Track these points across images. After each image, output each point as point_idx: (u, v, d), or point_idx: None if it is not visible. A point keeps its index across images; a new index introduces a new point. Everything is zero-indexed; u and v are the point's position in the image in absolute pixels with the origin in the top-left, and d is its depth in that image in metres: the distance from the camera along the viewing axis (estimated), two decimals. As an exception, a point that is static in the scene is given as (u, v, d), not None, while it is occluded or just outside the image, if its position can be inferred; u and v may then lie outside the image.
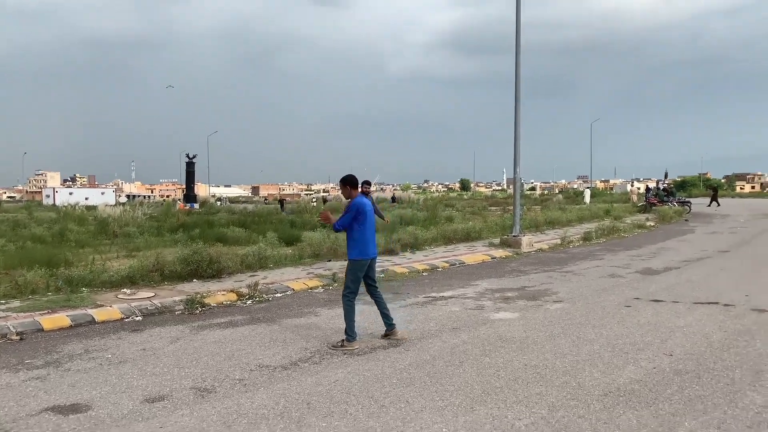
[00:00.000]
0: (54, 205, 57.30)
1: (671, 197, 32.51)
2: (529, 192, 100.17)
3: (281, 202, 39.37)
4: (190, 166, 58.55)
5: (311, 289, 9.95)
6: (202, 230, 20.97)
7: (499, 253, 14.63)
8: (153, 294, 9.11)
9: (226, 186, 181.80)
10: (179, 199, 60.08)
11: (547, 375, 5.10)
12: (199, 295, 8.68)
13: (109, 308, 8.14)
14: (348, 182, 6.39)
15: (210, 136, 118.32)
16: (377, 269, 11.48)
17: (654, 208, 29.78)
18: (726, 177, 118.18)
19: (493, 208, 39.55)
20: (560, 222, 22.20)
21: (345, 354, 5.96)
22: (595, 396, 4.56)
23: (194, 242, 13.94)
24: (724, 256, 13.49)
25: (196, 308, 8.38)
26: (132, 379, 5.32)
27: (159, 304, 8.43)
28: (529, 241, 15.60)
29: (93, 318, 7.74)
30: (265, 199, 60.98)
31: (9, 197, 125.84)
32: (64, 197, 65.00)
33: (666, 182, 40.70)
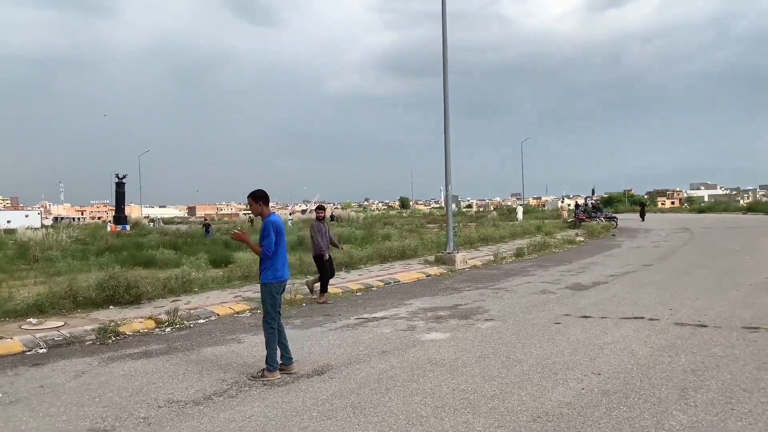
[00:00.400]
0: None
1: (599, 213, 33.75)
2: (465, 209, 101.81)
3: (206, 225, 37.99)
4: (120, 187, 56.08)
5: (237, 313, 9.46)
6: (130, 253, 20.00)
7: (434, 270, 14.55)
8: (62, 323, 8.40)
9: (161, 207, 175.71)
10: (109, 221, 57.32)
11: (475, 400, 4.91)
12: (113, 324, 8.06)
13: (9, 340, 7.41)
14: (259, 198, 5.96)
15: (141, 155, 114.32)
16: (289, 292, 11.24)
17: (583, 223, 30.76)
18: (648, 193, 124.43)
19: (430, 225, 39.81)
20: (494, 239, 22.50)
21: (265, 385, 5.57)
22: (523, 422, 4.39)
23: (118, 266, 13.17)
24: (648, 269, 13.92)
25: (109, 338, 7.77)
26: (20, 422, 4.75)
27: (68, 335, 7.75)
28: (463, 258, 15.63)
29: (-12, 352, 6.99)
30: (205, 219, 59.47)
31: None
32: None
33: (594, 199, 42.29)
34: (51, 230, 32.72)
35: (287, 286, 6.41)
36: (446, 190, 15.88)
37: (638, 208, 68.27)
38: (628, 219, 43.99)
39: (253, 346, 7.15)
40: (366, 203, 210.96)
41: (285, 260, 5.97)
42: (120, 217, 54.00)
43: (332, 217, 51.91)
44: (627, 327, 7.59)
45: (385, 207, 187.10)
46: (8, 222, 61.62)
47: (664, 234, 27.10)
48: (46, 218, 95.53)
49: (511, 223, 35.04)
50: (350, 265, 14.56)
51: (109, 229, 50.74)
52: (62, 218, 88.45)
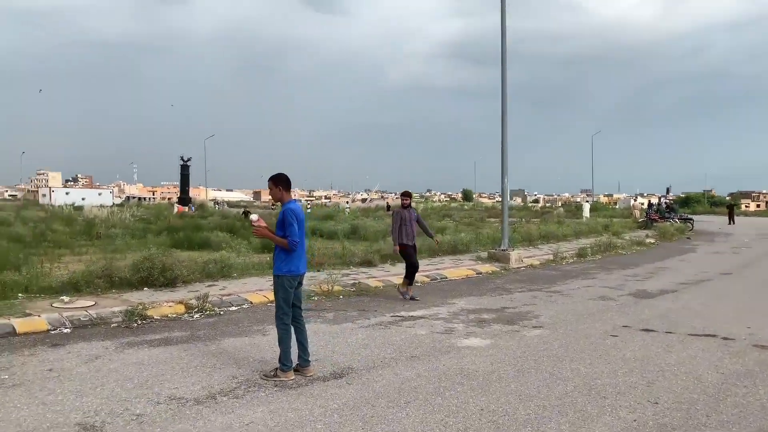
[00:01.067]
0: (49, 204, 56.73)
1: (673, 214, 31.60)
2: (531, 204, 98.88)
3: (245, 212, 38.49)
4: (184, 169, 57.97)
5: (271, 302, 9.06)
6: (187, 234, 20.26)
7: (486, 268, 13.75)
8: (93, 303, 8.28)
9: (228, 190, 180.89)
10: (176, 202, 59.35)
11: (504, 425, 4.24)
12: (141, 307, 7.84)
13: (36, 318, 7.31)
14: (280, 182, 5.45)
15: (206, 139, 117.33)
16: (351, 281, 10.81)
17: (655, 224, 28.87)
18: (731, 194, 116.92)
19: (491, 219, 38.61)
20: (556, 236, 21.32)
21: (276, 386, 5.10)
22: (557, 459, 3.69)
23: (168, 246, 13.26)
24: (726, 279, 12.60)
25: (135, 321, 7.55)
26: (12, 409, 4.47)
27: (95, 315, 7.60)
28: (518, 256, 14.73)
29: (14, 329, 6.90)
30: (272, 205, 60.76)
31: (11, 196, 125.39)
32: (60, 197, 64.40)
33: (668, 198, 39.77)
34: (116, 209, 33.92)
35: (305, 279, 5.89)
36: (502, 182, 14.98)
37: (720, 209, 64.11)
38: (706, 221, 41.12)
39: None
40: (428, 194, 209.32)
41: (303, 252, 5.46)
42: (184, 199, 55.77)
43: (387, 207, 51.59)
44: (695, 346, 6.64)
45: (448, 199, 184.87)
46: (83, 199, 64.82)
47: (746, 240, 24.95)
48: (118, 197, 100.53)
49: (577, 220, 33.38)
50: (396, 257, 13.95)
51: (176, 209, 52.59)
52: (133, 197, 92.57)
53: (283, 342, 5.33)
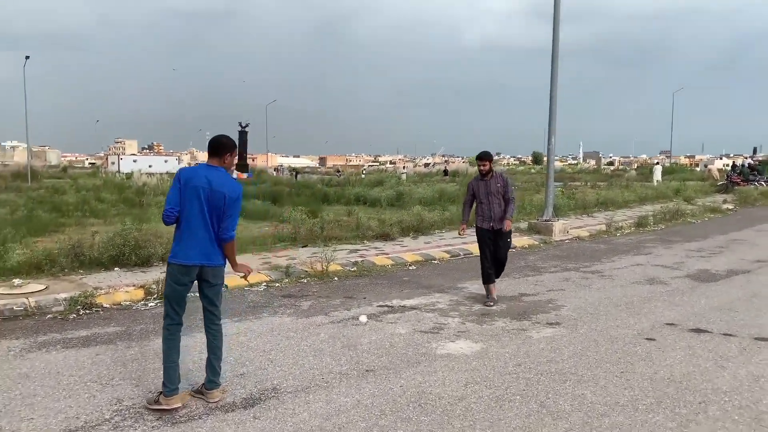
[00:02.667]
0: (103, 172, 58.59)
1: (759, 176, 28.15)
2: (604, 167, 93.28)
3: (295, 173, 37.87)
4: (242, 135, 57.72)
5: (251, 286, 7.90)
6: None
7: (523, 241, 12.04)
8: (45, 287, 7.35)
9: (295, 156, 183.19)
10: (233, 168, 59.71)
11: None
12: (87, 293, 6.83)
13: (-36, 308, 6.42)
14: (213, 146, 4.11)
15: (269, 105, 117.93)
16: (357, 258, 9.40)
17: (737, 188, 25.73)
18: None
19: (556, 183, 36.06)
20: (616, 203, 19.05)
21: (159, 419, 3.85)
22: None
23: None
24: (815, 255, 10.34)
25: (77, 310, 6.54)
26: None
27: (33, 304, 6.64)
28: (563, 227, 12.88)
29: (-68, 321, 6.03)
30: (338, 171, 60.54)
31: (90, 164, 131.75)
32: (128, 164, 66.36)
33: (755, 159, 35.78)
34: (166, 176, 33.97)
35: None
36: (549, 143, 13.05)
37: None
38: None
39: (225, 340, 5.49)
40: (497, 158, 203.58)
41: (194, 235, 4.02)
42: (243, 165, 55.78)
43: (445, 172, 49.60)
44: (762, 358, 4.88)
45: (517, 162, 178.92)
46: (150, 167, 66.40)
47: None
48: (189, 164, 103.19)
49: (648, 184, 30.46)
50: (419, 229, 12.48)
51: (235, 176, 52.84)
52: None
53: (164, 356, 4.04)
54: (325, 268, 8.62)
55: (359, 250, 10.53)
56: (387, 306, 6.85)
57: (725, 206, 19.72)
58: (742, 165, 30.82)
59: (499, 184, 6.97)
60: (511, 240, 7.18)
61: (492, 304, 6.84)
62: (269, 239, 10.69)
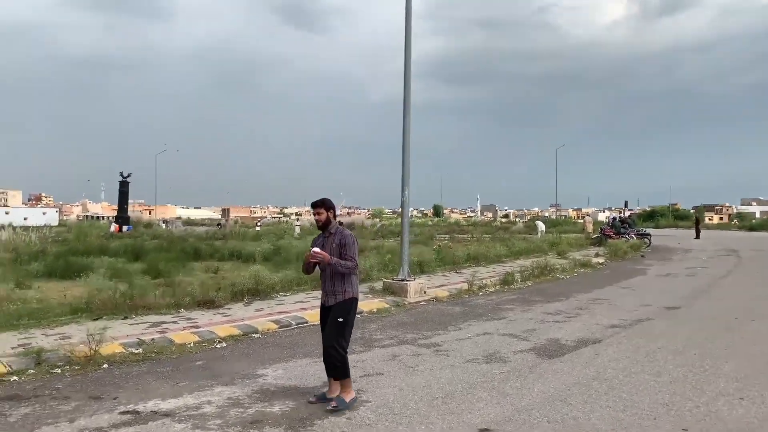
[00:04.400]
0: None
1: (630, 229, 29.11)
2: (500, 219, 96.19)
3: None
4: (123, 186, 53.76)
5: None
6: (65, 260, 17.03)
7: (374, 304, 10.68)
8: None
9: (196, 208, 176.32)
10: (112, 220, 55.19)
11: None
12: None
13: None
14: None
15: (158, 154, 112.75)
16: (152, 336, 7.39)
17: (609, 241, 26.28)
18: (695, 207, 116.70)
19: (443, 236, 35.80)
20: (488, 258, 18.38)
21: None
22: None
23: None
24: (670, 317, 9.73)
25: None
26: None
27: None
28: (419, 288, 11.70)
29: None
30: (219, 224, 57.75)
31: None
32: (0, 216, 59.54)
33: (627, 212, 37.47)
34: (26, 230, 30.03)
35: None
36: (402, 194, 11.99)
37: (684, 223, 62.30)
38: (669, 236, 38.94)
39: None
40: (400, 210, 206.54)
41: None
42: (123, 218, 51.71)
43: (340, 224, 48.37)
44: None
45: (420, 215, 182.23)
46: (25, 219, 60.14)
47: (704, 257, 22.43)
48: (69, 215, 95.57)
49: (523, 236, 30.69)
50: (257, 292, 10.81)
51: (113, 229, 48.66)
52: (91, 216, 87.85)
53: None
54: (92, 351, 6.71)
55: (165, 322, 8.67)
56: (133, 412, 5.09)
57: (596, 260, 19.68)
58: (614, 218, 31.94)
59: (335, 244, 5.26)
60: (343, 320, 5.22)
61: (333, 405, 5.05)
62: (51, 311, 8.59)
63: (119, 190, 55.55)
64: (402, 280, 11.69)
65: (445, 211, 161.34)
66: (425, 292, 11.78)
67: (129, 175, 56.06)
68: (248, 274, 11.13)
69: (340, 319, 5.22)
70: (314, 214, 5.40)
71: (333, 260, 5.16)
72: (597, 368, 6.44)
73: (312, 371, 6.36)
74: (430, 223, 79.98)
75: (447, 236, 35.78)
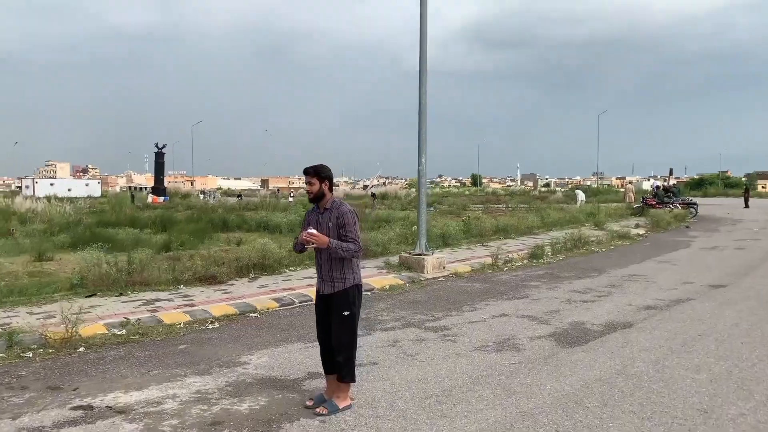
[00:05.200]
0: (32, 196, 53.90)
1: (674, 198, 27.47)
2: (540, 189, 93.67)
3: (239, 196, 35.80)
4: (159, 157, 54.46)
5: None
6: (91, 231, 17.06)
7: (387, 280, 10.00)
8: None
9: (236, 179, 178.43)
10: (149, 192, 56.02)
11: None
12: None
13: None
14: None
15: (194, 126, 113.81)
16: (140, 315, 6.74)
17: (651, 211, 24.82)
18: (747, 175, 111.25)
19: (477, 206, 34.75)
20: (518, 230, 17.41)
21: None
22: None
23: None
24: (715, 297, 8.72)
25: None
26: None
27: None
28: (437, 262, 10.93)
29: None
30: (278, 191, 58.17)
31: (17, 187, 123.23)
32: (44, 188, 61.17)
33: (672, 180, 35.55)
34: (53, 201, 30.38)
35: None
36: (419, 164, 11.10)
37: (734, 191, 59.07)
38: (718, 205, 36.88)
39: None
40: (439, 179, 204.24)
41: None
42: (159, 189, 52.35)
43: (372, 195, 47.70)
44: None
45: (458, 184, 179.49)
46: (69, 190, 61.65)
47: (756, 228, 20.87)
48: (113, 187, 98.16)
49: (561, 206, 29.39)
50: (265, 267, 10.24)
51: (150, 199, 49.37)
52: (134, 187, 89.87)
53: None
54: (69, 333, 6.23)
55: (160, 300, 8.18)
56: (86, 407, 4.54)
57: (635, 231, 18.45)
58: (657, 187, 30.26)
59: (331, 222, 4.39)
60: (350, 312, 4.41)
61: (321, 410, 4.34)
62: (36, 287, 8.20)
63: (155, 161, 56.31)
64: (419, 254, 10.94)
65: (484, 181, 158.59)
66: (444, 267, 11.01)
67: (164, 147, 56.65)
68: (254, 248, 10.53)
69: (346, 313, 4.40)
70: (305, 183, 4.50)
71: (333, 243, 4.29)
72: (623, 360, 5.59)
73: (298, 359, 5.73)
74: (466, 193, 78.71)
75: (481, 206, 34.74)
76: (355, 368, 4.56)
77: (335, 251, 4.33)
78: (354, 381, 4.50)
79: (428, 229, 12.71)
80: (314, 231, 4.30)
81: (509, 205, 34.32)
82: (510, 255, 12.66)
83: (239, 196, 49.23)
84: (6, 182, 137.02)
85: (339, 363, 4.40)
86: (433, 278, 10.49)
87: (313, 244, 4.30)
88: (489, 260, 12.06)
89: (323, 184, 4.45)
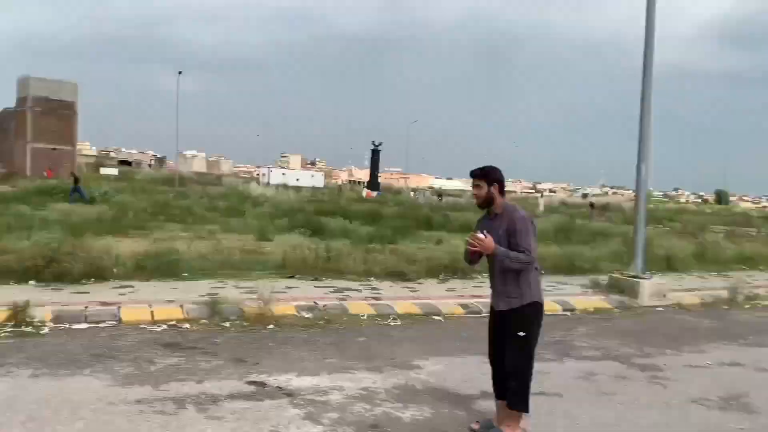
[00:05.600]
0: (268, 183, 62.08)
1: None
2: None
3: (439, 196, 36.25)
4: (375, 155, 58.24)
5: (155, 323, 6.13)
6: (308, 219, 18.83)
7: (592, 302, 8.95)
8: None
9: (448, 179, 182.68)
10: (365, 186, 60.16)
11: None
12: None
13: None
14: None
15: (411, 125, 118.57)
16: (330, 302, 7.00)
17: None
18: None
19: (720, 228, 30.18)
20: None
21: None
22: None
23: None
24: None
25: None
26: None
27: None
28: (657, 289, 9.43)
29: None
30: (440, 195, 59.39)
31: (257, 174, 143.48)
32: (277, 177, 70.25)
33: None
34: (280, 190, 34.23)
35: None
36: (638, 171, 9.66)
37: None
38: None
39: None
40: (674, 193, 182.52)
41: None
42: (374, 184, 55.81)
43: (591, 205, 44.30)
44: None
45: (699, 200, 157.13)
46: (297, 180, 69.72)
47: None
48: (336, 180, 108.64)
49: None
50: (456, 270, 9.87)
51: (364, 194, 53.04)
52: (355, 181, 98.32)
53: None
54: (263, 310, 6.59)
55: (350, 289, 8.35)
56: (260, 384, 4.65)
57: None
58: None
59: (501, 229, 3.85)
60: (526, 333, 3.85)
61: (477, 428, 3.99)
62: (247, 264, 8.94)
63: (371, 158, 60.21)
64: (633, 277, 9.57)
65: (732, 198, 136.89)
66: (665, 296, 9.47)
67: (380, 144, 60.22)
68: (447, 249, 10.26)
69: (521, 334, 3.84)
70: (472, 186, 4.05)
71: (499, 250, 3.75)
72: None
73: (475, 374, 5.21)
74: (707, 211, 69.28)
75: (725, 228, 30.01)
76: (534, 397, 3.93)
77: (503, 261, 3.76)
78: (527, 411, 3.87)
79: (649, 248, 11.12)
80: (480, 234, 3.77)
81: (763, 230, 29.15)
82: (756, 291, 10.47)
83: (439, 196, 49.71)
84: (249, 170, 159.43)
85: (510, 388, 3.82)
86: (650, 306, 9.08)
87: (476, 248, 3.78)
88: (725, 294, 10.09)
89: (492, 188, 3.93)
